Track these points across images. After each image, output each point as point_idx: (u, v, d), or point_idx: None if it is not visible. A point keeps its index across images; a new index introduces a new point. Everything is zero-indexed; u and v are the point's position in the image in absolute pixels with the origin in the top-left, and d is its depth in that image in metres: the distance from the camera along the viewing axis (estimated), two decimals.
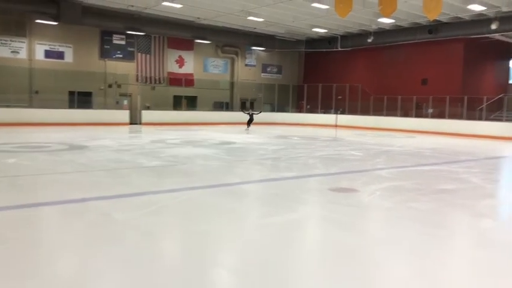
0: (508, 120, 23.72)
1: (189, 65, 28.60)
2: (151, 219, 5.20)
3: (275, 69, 33.15)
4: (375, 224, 5.52)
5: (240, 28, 27.37)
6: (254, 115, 22.55)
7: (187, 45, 28.16)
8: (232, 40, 29.20)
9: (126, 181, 7.70)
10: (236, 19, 24.61)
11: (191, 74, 28.64)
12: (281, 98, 31.48)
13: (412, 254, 4.29)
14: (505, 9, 19.66)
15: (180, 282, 3.45)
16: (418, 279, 3.66)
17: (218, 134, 18.97)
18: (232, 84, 30.91)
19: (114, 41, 25.57)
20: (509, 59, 28.48)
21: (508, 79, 28.69)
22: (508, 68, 28.74)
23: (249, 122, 22.27)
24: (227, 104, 30.41)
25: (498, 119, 24.30)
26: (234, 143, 14.99)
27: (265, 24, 25.80)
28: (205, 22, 25.69)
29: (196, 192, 6.81)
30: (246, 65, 31.44)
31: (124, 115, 24.07)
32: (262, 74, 32.46)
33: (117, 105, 25.07)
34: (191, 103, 28.27)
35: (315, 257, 4.22)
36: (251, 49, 31.16)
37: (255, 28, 27.28)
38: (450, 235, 5.06)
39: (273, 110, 30.86)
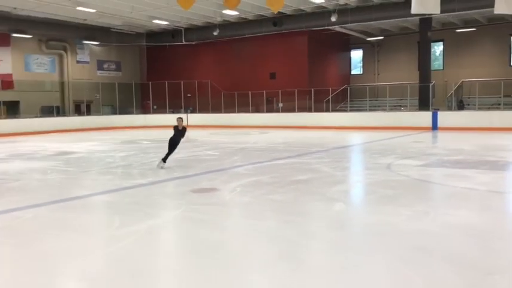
0: (352, 110, 27.37)
1: (6, 63, 26.47)
2: None
3: (113, 66, 32.56)
4: (237, 219, 6.17)
5: (68, 20, 26.21)
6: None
7: (2, 40, 25.99)
8: (58, 33, 27.84)
9: None
10: (62, 9, 23.53)
11: (9, 75, 26.53)
12: (123, 98, 30.99)
13: (274, 241, 4.97)
14: (342, 1, 22.46)
15: None
16: (282, 262, 4.33)
17: (52, 144, 18.06)
18: (62, 84, 29.46)
19: None
20: (350, 50, 32.49)
21: (350, 70, 32.73)
22: (350, 59, 32.77)
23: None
24: (58, 108, 28.89)
25: (343, 109, 28.01)
26: (73, 152, 14.53)
27: (98, 15, 25.18)
28: (24, 13, 24.04)
29: (41, 210, 6.68)
30: (78, 61, 30.28)
31: None
32: (99, 71, 31.64)
33: None
34: (12, 109, 26.21)
35: (181, 257, 4.66)
36: (83, 43, 30.06)
37: (85, 20, 26.39)
38: (308, 220, 5.94)
39: (114, 113, 30.31)
